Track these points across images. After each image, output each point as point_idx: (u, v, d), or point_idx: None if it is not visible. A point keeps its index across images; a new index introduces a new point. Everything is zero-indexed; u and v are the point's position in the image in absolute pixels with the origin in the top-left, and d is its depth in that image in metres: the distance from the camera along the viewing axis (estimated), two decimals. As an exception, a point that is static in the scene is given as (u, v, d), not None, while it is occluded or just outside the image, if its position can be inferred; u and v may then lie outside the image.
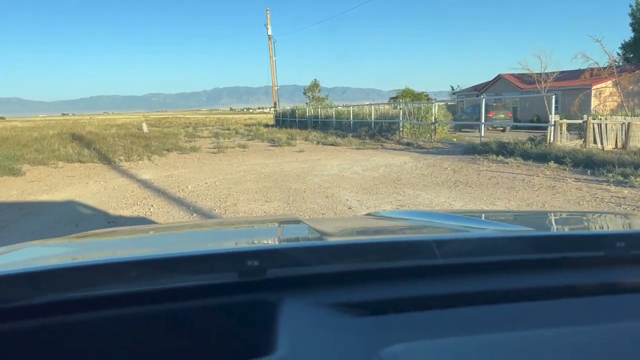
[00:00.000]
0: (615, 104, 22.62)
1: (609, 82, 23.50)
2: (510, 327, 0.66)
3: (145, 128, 22.72)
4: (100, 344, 0.71)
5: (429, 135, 16.18)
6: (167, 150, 14.34)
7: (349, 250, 0.86)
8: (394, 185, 7.95)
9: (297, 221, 1.72)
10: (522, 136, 12.71)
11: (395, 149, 14.30)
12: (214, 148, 15.11)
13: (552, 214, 2.46)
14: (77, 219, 6.08)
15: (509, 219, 1.68)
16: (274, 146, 16.19)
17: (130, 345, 0.72)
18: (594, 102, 24.10)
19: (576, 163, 9.02)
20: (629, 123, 11.43)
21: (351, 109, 24.18)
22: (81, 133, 18.28)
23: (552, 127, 11.33)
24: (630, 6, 31.32)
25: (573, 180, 7.75)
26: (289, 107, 36.90)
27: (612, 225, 1.51)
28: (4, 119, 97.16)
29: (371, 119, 20.59)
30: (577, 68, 24.91)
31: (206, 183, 8.51)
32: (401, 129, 17.53)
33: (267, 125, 30.54)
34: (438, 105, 17.19)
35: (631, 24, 31.64)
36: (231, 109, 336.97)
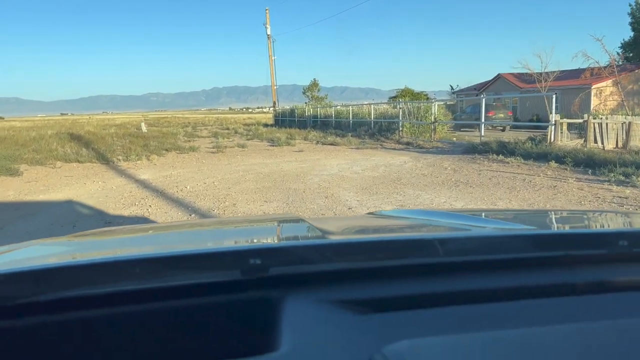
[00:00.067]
0: (616, 103, 22.60)
1: (609, 82, 23.52)
2: (513, 324, 0.66)
3: (144, 128, 22.63)
4: (104, 342, 0.71)
5: (428, 134, 16.15)
6: (166, 150, 14.29)
7: (352, 248, 0.86)
8: (394, 185, 7.91)
9: (299, 220, 1.74)
10: (522, 136, 12.67)
11: (394, 149, 14.26)
12: (213, 148, 15.06)
13: (554, 212, 2.50)
14: (75, 219, 6.05)
15: (510, 218, 1.69)
16: (273, 146, 16.14)
17: (133, 343, 0.73)
18: (594, 101, 24.09)
19: (577, 163, 8.98)
20: (629, 122, 11.39)
21: (350, 109, 24.12)
22: (79, 133, 18.25)
23: (553, 127, 11.31)
24: (630, 6, 31.43)
25: (574, 180, 7.71)
26: (288, 107, 36.82)
27: (615, 223, 1.52)
28: (3, 118, 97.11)
29: (370, 118, 20.55)
30: (577, 67, 24.93)
31: (205, 183, 8.46)
32: (401, 129, 17.51)
33: (266, 125, 30.49)
34: (438, 105, 17.14)
35: (631, 24, 31.74)
36: (230, 109, 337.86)
